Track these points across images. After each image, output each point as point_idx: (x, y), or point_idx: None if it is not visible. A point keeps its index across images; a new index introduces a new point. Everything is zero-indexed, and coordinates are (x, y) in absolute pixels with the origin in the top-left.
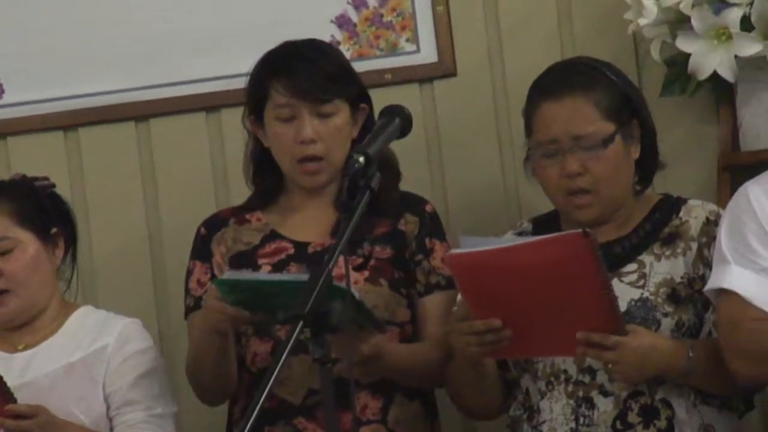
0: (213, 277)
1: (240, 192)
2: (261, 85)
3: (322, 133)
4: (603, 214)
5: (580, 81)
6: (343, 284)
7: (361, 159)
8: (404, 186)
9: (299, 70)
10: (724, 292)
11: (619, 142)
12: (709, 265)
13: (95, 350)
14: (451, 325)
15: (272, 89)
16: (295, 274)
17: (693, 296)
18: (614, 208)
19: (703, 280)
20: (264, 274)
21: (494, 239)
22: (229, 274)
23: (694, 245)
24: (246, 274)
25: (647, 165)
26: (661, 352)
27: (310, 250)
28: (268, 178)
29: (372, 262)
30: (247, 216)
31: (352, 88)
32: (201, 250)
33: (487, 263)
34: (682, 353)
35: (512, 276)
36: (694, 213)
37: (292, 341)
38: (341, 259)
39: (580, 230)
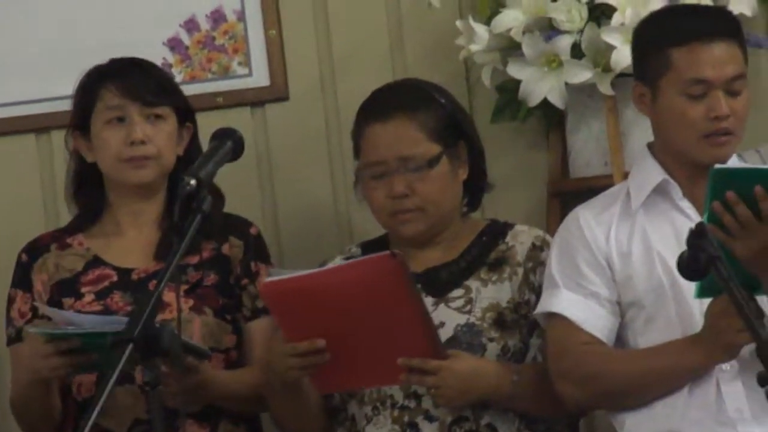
0: (34, 307)
1: (71, 216)
2: (91, 90)
3: (153, 135)
4: (429, 229)
5: (406, 103)
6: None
7: (193, 182)
8: (235, 209)
9: (131, 74)
10: (553, 316)
11: (445, 163)
12: (534, 291)
13: None
14: (272, 348)
15: (103, 91)
16: (105, 318)
17: (519, 321)
18: (441, 226)
19: (529, 305)
20: (75, 319)
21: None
22: (40, 328)
23: (520, 270)
24: (58, 320)
25: (475, 186)
26: (485, 375)
27: (134, 276)
28: (91, 196)
29: (198, 289)
30: (69, 240)
31: (181, 101)
32: (22, 278)
33: (300, 289)
34: (506, 376)
35: (326, 302)
36: (521, 238)
37: (121, 364)
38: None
39: (388, 252)
